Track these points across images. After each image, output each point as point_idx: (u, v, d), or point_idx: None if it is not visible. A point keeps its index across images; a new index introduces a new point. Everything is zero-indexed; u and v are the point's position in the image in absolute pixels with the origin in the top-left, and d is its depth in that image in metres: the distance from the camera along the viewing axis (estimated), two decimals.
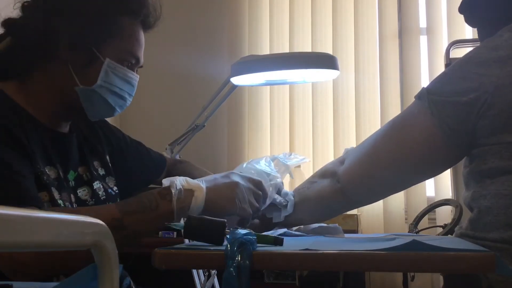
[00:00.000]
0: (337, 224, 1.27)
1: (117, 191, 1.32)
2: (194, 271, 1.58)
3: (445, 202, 2.15)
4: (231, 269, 0.81)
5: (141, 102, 3.28)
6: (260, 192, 1.20)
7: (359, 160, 1.22)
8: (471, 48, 1.17)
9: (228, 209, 1.14)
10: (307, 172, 2.82)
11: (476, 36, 1.28)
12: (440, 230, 2.00)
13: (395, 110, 2.92)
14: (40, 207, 1.03)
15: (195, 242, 0.97)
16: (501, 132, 1.05)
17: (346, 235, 1.24)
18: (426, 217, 2.12)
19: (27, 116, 1.16)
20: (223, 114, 3.04)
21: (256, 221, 1.30)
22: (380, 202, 2.84)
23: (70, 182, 1.21)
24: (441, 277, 1.35)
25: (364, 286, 2.73)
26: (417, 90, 1.16)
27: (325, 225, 1.28)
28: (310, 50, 2.99)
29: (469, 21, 1.27)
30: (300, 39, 3.10)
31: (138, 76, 1.26)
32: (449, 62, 2.40)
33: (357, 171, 1.21)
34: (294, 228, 1.29)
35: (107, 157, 1.33)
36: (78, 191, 1.21)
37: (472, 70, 1.09)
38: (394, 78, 3.00)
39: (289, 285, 2.68)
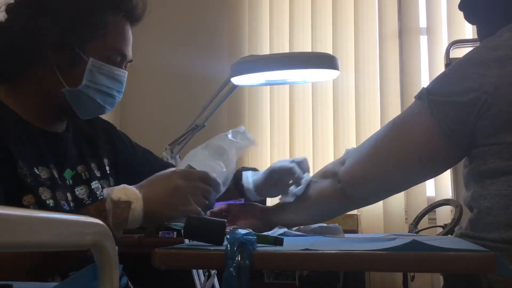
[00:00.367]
0: (337, 224, 1.27)
1: None
2: (194, 271, 1.58)
3: (445, 202, 2.15)
4: (231, 269, 0.81)
5: (141, 102, 3.29)
6: (208, 186, 1.11)
7: (360, 161, 1.22)
8: (471, 48, 1.17)
9: (169, 216, 1.07)
10: None
11: (476, 36, 1.28)
12: (440, 230, 2.00)
13: (395, 110, 2.92)
14: None
15: (195, 242, 0.97)
16: (501, 132, 1.05)
17: (346, 235, 1.24)
18: (426, 217, 2.12)
19: (18, 118, 1.15)
20: (223, 114, 3.04)
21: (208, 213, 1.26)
22: (380, 202, 2.83)
23: (67, 181, 1.20)
24: (441, 277, 1.35)
25: (364, 286, 2.73)
26: (417, 90, 1.16)
27: (325, 225, 1.28)
28: (310, 50, 2.99)
29: (469, 18, 1.27)
30: (300, 39, 3.10)
31: (127, 72, 1.24)
32: (449, 62, 2.40)
33: (358, 171, 1.21)
34: (294, 228, 1.29)
35: (105, 160, 1.33)
36: (76, 190, 1.21)
37: (472, 70, 1.08)
38: (394, 78, 3.00)
39: (289, 285, 2.68)
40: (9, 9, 1.17)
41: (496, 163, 1.06)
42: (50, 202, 1.12)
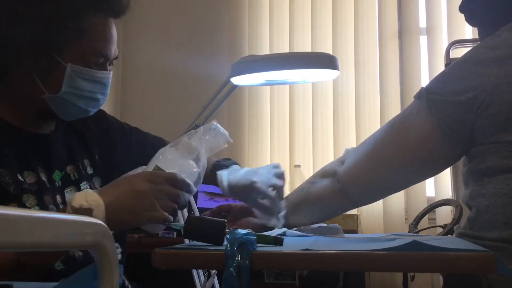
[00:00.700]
0: (337, 224, 1.27)
1: None
2: (194, 271, 1.58)
3: (445, 202, 2.15)
4: (231, 269, 0.81)
5: (141, 102, 3.29)
6: (176, 189, 1.05)
7: (359, 160, 1.22)
8: (471, 48, 1.17)
9: (133, 223, 1.03)
10: (307, 172, 2.82)
11: (476, 36, 1.28)
12: (440, 230, 2.00)
13: (395, 110, 2.92)
14: None
15: (195, 242, 0.97)
16: (499, 131, 1.06)
17: (346, 235, 1.24)
18: (426, 217, 2.12)
19: (2, 123, 1.14)
20: (223, 114, 3.04)
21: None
22: (380, 202, 2.84)
23: (57, 183, 1.18)
24: (441, 277, 1.35)
25: (364, 286, 2.73)
26: (417, 90, 1.16)
27: (325, 225, 1.28)
28: (310, 50, 2.99)
29: (470, 20, 1.27)
30: (300, 39, 3.10)
31: (111, 72, 1.18)
32: (449, 62, 2.40)
33: (357, 171, 1.21)
34: (294, 228, 1.29)
35: (96, 157, 1.30)
36: (65, 191, 1.19)
37: (471, 70, 1.09)
38: (394, 78, 3.00)
39: (289, 285, 2.68)
40: None
41: (495, 161, 1.07)
42: (36, 209, 1.10)
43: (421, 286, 2.74)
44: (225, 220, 0.96)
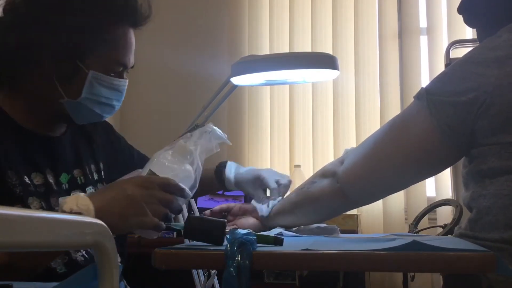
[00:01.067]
0: (335, 226, 1.27)
1: None
2: (194, 271, 1.58)
3: (445, 202, 2.15)
4: (231, 269, 0.81)
5: (141, 102, 3.29)
6: (169, 194, 1.04)
7: (359, 161, 1.22)
8: (471, 48, 1.17)
9: (122, 228, 1.01)
10: (307, 172, 2.82)
11: (476, 36, 1.28)
12: (440, 230, 2.00)
13: (395, 110, 2.92)
14: None
15: (195, 242, 0.97)
16: (500, 132, 1.05)
17: (346, 235, 1.24)
18: (426, 217, 2.12)
19: (13, 124, 1.15)
20: (223, 114, 3.04)
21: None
22: (380, 202, 2.84)
23: (64, 185, 1.19)
24: (441, 277, 1.35)
25: (364, 286, 2.73)
26: (417, 90, 1.16)
27: (323, 225, 1.28)
28: (310, 50, 2.99)
29: (468, 21, 1.27)
30: (300, 39, 3.10)
31: (127, 80, 1.22)
32: (449, 62, 2.40)
33: (357, 171, 1.21)
34: (294, 228, 1.29)
35: (101, 164, 1.31)
36: (72, 194, 1.18)
37: (471, 70, 1.09)
38: (394, 78, 3.00)
39: (289, 285, 2.68)
40: (7, 11, 1.14)
41: (496, 162, 1.07)
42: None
43: (421, 286, 2.74)
44: (225, 220, 0.96)
